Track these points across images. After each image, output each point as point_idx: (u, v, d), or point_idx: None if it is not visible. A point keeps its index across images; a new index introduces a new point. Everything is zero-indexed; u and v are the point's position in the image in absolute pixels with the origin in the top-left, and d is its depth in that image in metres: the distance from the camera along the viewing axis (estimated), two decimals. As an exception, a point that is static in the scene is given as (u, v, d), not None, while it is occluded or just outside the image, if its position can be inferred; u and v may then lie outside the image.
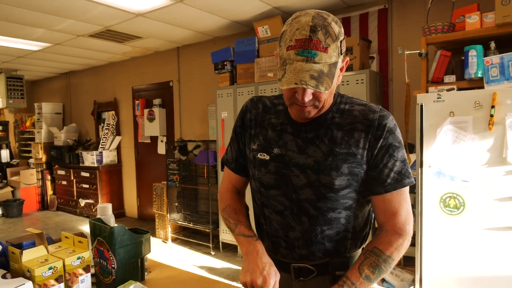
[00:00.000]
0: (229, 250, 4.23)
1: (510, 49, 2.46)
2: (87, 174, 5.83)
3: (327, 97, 0.94)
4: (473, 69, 2.48)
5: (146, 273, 1.22)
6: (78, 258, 0.99)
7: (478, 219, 2.38)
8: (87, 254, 1.02)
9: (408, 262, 3.13)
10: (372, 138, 0.95)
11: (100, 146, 5.81)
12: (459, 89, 2.56)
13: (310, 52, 0.84)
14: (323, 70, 0.85)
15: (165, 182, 4.72)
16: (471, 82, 2.54)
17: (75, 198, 6.10)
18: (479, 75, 2.47)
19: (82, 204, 5.94)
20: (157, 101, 5.33)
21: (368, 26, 3.58)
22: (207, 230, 4.33)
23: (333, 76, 0.87)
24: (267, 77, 3.70)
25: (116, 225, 1.11)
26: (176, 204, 4.68)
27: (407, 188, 0.98)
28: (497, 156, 2.33)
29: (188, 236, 4.62)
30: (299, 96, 0.90)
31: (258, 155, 1.06)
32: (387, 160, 0.96)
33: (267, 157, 1.04)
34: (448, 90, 2.58)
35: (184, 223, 4.56)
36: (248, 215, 1.17)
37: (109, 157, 5.88)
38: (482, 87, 2.45)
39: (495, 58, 2.40)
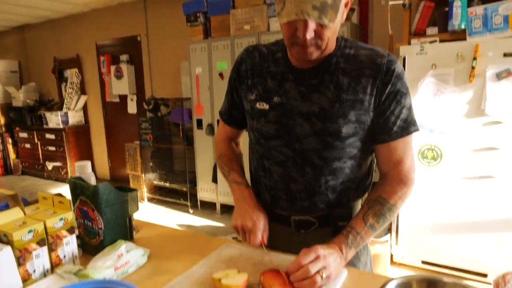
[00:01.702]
0: (207, 208, 4.23)
1: (491, 1, 2.43)
2: (52, 136, 5.52)
3: (330, 36, 0.85)
4: (457, 20, 2.44)
5: (134, 233, 1.15)
6: (61, 220, 0.90)
7: (455, 169, 2.45)
8: (70, 215, 0.92)
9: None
10: (380, 84, 0.89)
11: (64, 106, 5.48)
12: (441, 41, 2.53)
13: None
14: (326, 1, 0.76)
15: (138, 142, 4.55)
16: (453, 34, 2.51)
17: (41, 161, 5.82)
18: (462, 27, 2.43)
19: (50, 168, 5.68)
20: (124, 57, 5.01)
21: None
22: (184, 189, 4.28)
23: (338, 9, 0.79)
24: (243, 30, 3.52)
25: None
26: (151, 164, 4.56)
27: (411, 136, 0.94)
28: (475, 108, 2.36)
29: (164, 196, 4.56)
30: (300, 33, 0.81)
31: (257, 105, 1.00)
32: (394, 107, 0.91)
33: (266, 107, 0.98)
34: (430, 42, 2.55)
35: (160, 183, 4.47)
36: (241, 163, 1.17)
37: (75, 117, 5.57)
38: (464, 39, 2.43)
39: (478, 9, 2.36)
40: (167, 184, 4.38)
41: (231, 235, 3.48)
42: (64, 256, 0.93)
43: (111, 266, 0.88)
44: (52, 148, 5.58)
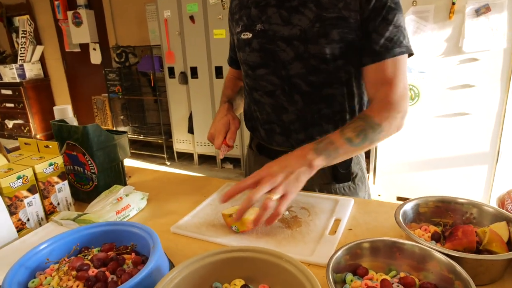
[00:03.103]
0: (184, 159, 4.18)
1: None
2: (9, 92, 5.13)
3: None
4: (438, -47, 2.36)
5: (127, 178, 1.10)
6: (51, 165, 0.83)
7: (431, 108, 2.51)
8: (60, 160, 0.85)
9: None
10: None
11: (19, 58, 5.04)
12: (422, -24, 2.47)
13: None
14: None
15: (106, 95, 4.32)
16: (433, -32, 2.44)
17: (-1, 119, 5.45)
18: (443, -40, 2.37)
19: (10, 126, 5.34)
20: (81, 1, 4.57)
21: None
22: (159, 141, 4.18)
23: None
24: (214, -33, 3.27)
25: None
26: (122, 117, 4.38)
27: (404, 59, 0.85)
28: (453, 46, 2.38)
29: (139, 149, 4.45)
30: None
31: (242, 35, 0.96)
32: (379, 23, 0.82)
33: (249, 35, 0.94)
34: (410, -23, 2.47)
35: (133, 136, 4.33)
36: (239, 91, 1.15)
37: (32, 70, 5.16)
38: (445, -26, 2.38)
39: None
40: (141, 137, 4.26)
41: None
42: (58, 204, 0.86)
43: (111, 210, 0.83)
44: (11, 105, 5.21)
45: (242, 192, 0.73)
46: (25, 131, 5.29)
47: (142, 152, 4.36)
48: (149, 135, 4.23)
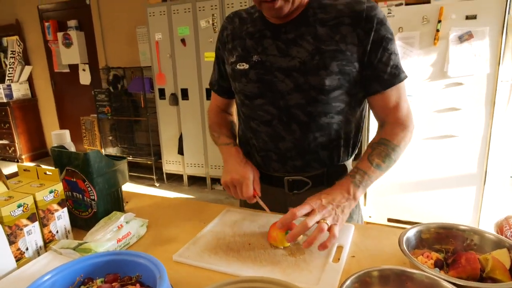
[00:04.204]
0: (174, 181, 4.15)
1: (455, -37, 2.48)
2: (-5, 112, 5.04)
3: None
4: (422, -17, 2.48)
5: (124, 204, 1.08)
6: (51, 192, 0.82)
7: (419, 130, 2.57)
8: (60, 187, 0.84)
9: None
10: (361, 32, 0.86)
11: (7, 78, 4.98)
12: (407, 4, 2.58)
13: None
14: None
15: (95, 115, 4.30)
16: (417, -3, 2.56)
17: (-17, 139, 5.32)
18: (427, -11, 2.49)
19: (-5, 146, 5.23)
20: (72, 23, 4.60)
21: None
22: (149, 162, 4.15)
23: None
24: (205, -8, 3.34)
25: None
26: (110, 138, 4.34)
27: (403, 83, 0.93)
28: (439, 71, 2.46)
29: (127, 171, 4.38)
30: None
31: (237, 66, 0.98)
32: (381, 54, 0.88)
33: (246, 66, 0.96)
34: (396, 5, 2.58)
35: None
36: (232, 128, 1.15)
37: (20, 90, 5.11)
38: (428, 2, 2.49)
39: (442, -28, 2.41)
40: (130, 158, 4.22)
41: (202, 205, 3.46)
42: (57, 232, 0.85)
43: (112, 238, 0.82)
44: (-4, 125, 5.12)
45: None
46: (10, 151, 5.19)
47: (131, 173, 4.30)
48: (138, 156, 4.20)
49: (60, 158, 0.92)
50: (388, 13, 2.51)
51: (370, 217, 2.87)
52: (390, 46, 0.88)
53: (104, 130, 4.30)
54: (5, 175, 0.91)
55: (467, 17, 2.33)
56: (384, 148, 0.91)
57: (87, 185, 0.90)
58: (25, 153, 5.19)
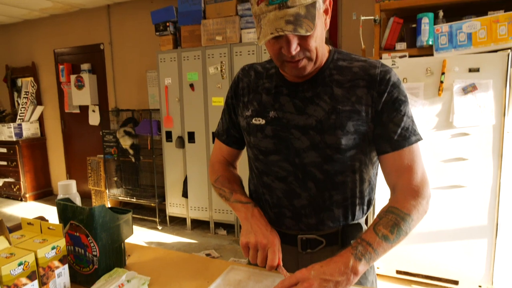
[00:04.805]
0: (176, 224, 4.08)
1: (456, 18, 2.58)
2: (3, 150, 5.10)
3: (317, 45, 0.85)
4: (425, 37, 2.56)
5: (126, 258, 1.06)
6: (53, 248, 0.80)
7: (426, 180, 2.54)
8: (63, 243, 0.82)
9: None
10: (375, 94, 0.89)
11: (18, 117, 5.09)
12: (410, 56, 2.65)
13: None
14: (299, 12, 0.77)
15: (102, 156, 4.33)
16: (421, 49, 2.64)
17: (-10, 177, 5.35)
18: (430, 43, 2.56)
19: (0, 184, 5.24)
20: (85, 66, 4.77)
21: (318, -10, 3.51)
22: (152, 204, 4.11)
23: (314, 17, 0.79)
24: (215, 40, 3.48)
25: (87, 206, 0.92)
26: (115, 178, 4.34)
27: (418, 146, 0.91)
28: (444, 121, 2.48)
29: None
30: (285, 50, 0.83)
31: (253, 120, 0.98)
32: (393, 115, 0.89)
33: (262, 122, 0.96)
34: (400, 57, 2.65)
35: (126, 199, 4.26)
36: (242, 185, 1.11)
37: (30, 129, 5.20)
38: (431, 55, 2.56)
39: (444, 27, 2.50)
40: (134, 200, 4.19)
41: (204, 251, 3.38)
42: (56, 290, 0.82)
43: (112, 298, 0.79)
44: (3, 163, 5.15)
45: None
46: (14, 189, 5.18)
47: (134, 215, 4.25)
48: (142, 198, 4.17)
49: (65, 211, 0.91)
50: (392, 64, 2.57)
51: (378, 268, 2.76)
52: (403, 108, 0.90)
53: (109, 171, 4.31)
54: (9, 228, 0.90)
55: (470, 70, 2.37)
56: (393, 217, 0.85)
57: (90, 241, 0.88)
58: (29, 192, 5.19)
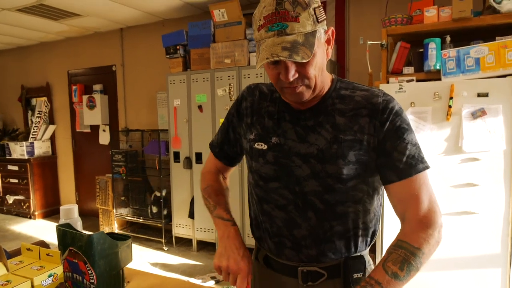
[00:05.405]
0: (182, 245, 4.04)
1: (463, 43, 2.59)
2: (15, 168, 5.19)
3: (317, 74, 0.85)
4: (432, 61, 2.57)
5: (125, 284, 1.04)
6: (50, 276, 0.80)
7: (436, 205, 2.49)
8: (60, 270, 0.82)
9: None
10: (378, 123, 0.88)
11: (31, 136, 5.19)
12: (417, 80, 2.65)
13: (279, 25, 0.78)
14: (297, 40, 0.78)
15: (110, 175, 4.36)
16: (428, 74, 2.63)
17: (1, 194, 5.41)
18: (437, 67, 2.56)
19: (10, 201, 5.30)
20: (97, 87, 4.88)
21: (326, 15, 3.57)
22: (159, 225, 4.09)
23: (312, 46, 0.79)
24: (224, 63, 3.53)
25: (89, 232, 0.93)
26: (123, 198, 4.35)
27: (425, 175, 0.88)
28: (453, 145, 2.44)
29: (136, 232, 4.33)
30: (283, 76, 0.83)
31: (256, 145, 0.98)
32: (397, 144, 0.87)
33: (264, 147, 0.96)
34: (407, 81, 2.65)
35: (133, 218, 4.25)
36: (228, 199, 1.12)
37: (41, 148, 5.29)
38: (439, 79, 2.55)
39: (452, 51, 2.50)
40: (141, 220, 4.18)
41: (209, 274, 3.33)
42: (51, 319, 0.81)
43: (107, 329, 0.78)
44: (14, 180, 5.23)
45: None
46: (24, 207, 5.23)
47: (140, 235, 4.23)
48: (149, 218, 4.16)
49: (64, 237, 0.91)
50: (400, 88, 2.57)
51: (387, 296, 2.68)
52: (407, 136, 0.88)
53: (117, 190, 4.33)
54: (8, 253, 0.90)
55: (479, 95, 2.36)
56: (402, 252, 0.82)
57: (88, 268, 0.88)
58: (39, 209, 5.23)
